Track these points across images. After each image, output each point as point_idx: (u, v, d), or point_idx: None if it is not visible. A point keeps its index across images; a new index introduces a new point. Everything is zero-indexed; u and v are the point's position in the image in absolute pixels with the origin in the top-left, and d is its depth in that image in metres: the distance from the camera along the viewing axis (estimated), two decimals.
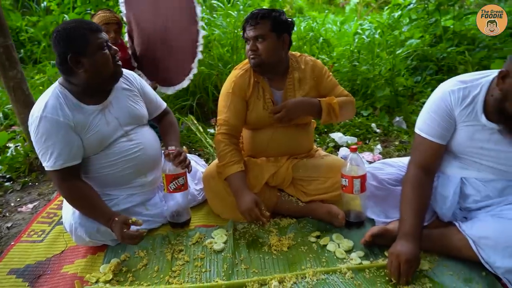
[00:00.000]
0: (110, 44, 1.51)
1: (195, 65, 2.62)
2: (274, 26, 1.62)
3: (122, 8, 2.67)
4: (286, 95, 1.73)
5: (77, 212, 1.51)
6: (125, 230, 1.44)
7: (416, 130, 1.48)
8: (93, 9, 4.87)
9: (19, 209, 2.02)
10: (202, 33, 2.57)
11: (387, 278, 1.35)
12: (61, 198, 2.03)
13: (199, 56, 2.60)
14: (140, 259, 1.50)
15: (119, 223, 1.45)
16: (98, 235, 1.52)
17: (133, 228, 1.50)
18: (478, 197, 1.42)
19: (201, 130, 2.75)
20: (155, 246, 1.58)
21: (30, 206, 2.04)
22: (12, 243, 1.66)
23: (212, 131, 2.89)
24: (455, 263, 1.39)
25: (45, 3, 5.17)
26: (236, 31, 3.55)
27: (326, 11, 7.26)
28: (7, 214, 1.99)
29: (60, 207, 1.94)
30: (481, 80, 1.35)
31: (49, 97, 1.46)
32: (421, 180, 1.44)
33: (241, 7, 3.88)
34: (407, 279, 1.29)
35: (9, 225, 1.87)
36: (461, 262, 1.39)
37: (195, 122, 2.81)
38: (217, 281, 1.35)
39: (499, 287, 1.28)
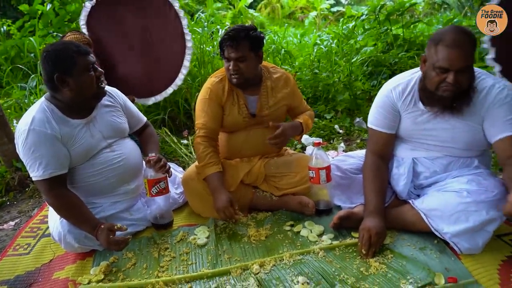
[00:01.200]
0: (96, 66, 1.61)
1: (180, 77, 2.88)
2: (253, 45, 1.78)
3: (84, 30, 2.80)
4: (261, 100, 1.91)
5: (64, 220, 1.59)
6: (111, 236, 1.54)
7: (369, 124, 1.73)
8: (55, 31, 4.89)
9: (0, 227, 2.04)
10: (190, 44, 2.86)
11: (354, 254, 1.53)
12: (43, 213, 2.08)
13: (186, 68, 2.88)
14: (129, 259, 1.59)
15: (105, 229, 1.53)
16: (86, 240, 1.60)
17: (119, 234, 1.60)
18: (427, 173, 1.65)
19: (175, 141, 2.86)
20: (142, 247, 1.68)
21: (12, 223, 2.07)
22: None
23: (185, 142, 3.01)
24: (411, 235, 1.59)
25: (4, 27, 5.13)
26: (202, 46, 3.72)
27: (286, 24, 7.61)
28: None
29: (42, 222, 1.99)
30: (415, 74, 1.62)
31: (36, 112, 1.54)
32: (378, 165, 1.67)
33: (205, 23, 4.05)
34: (375, 249, 1.49)
35: None
36: (416, 234, 1.59)
37: (169, 133, 2.92)
38: (203, 271, 1.48)
39: (447, 250, 1.49)
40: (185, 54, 2.87)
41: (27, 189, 2.42)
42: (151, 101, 2.94)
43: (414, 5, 6.82)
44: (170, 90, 2.93)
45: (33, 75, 3.49)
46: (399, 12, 5.23)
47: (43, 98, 1.61)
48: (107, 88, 1.84)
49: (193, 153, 2.72)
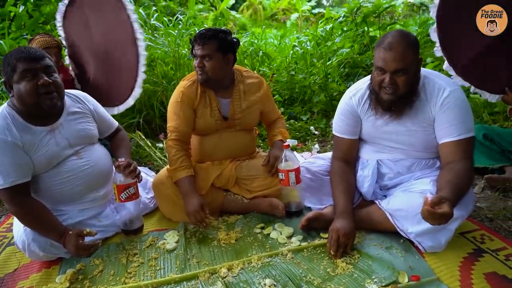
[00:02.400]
0: (43, 75, 1.50)
1: (138, 84, 2.59)
2: (220, 46, 1.79)
3: (61, 32, 2.73)
4: (234, 104, 1.92)
5: (28, 228, 1.55)
6: (80, 241, 1.51)
7: (333, 131, 1.81)
8: (29, 34, 4.78)
9: None
10: (144, 54, 2.55)
11: (322, 255, 1.54)
12: (9, 221, 2.03)
13: (142, 75, 2.58)
14: (96, 266, 1.57)
15: (73, 235, 1.51)
16: (52, 248, 1.57)
17: (88, 239, 1.57)
18: (391, 174, 1.70)
19: (150, 145, 2.84)
20: (110, 253, 1.66)
21: None
22: None
23: (161, 145, 2.99)
24: (378, 235, 1.62)
25: None
26: (177, 49, 3.70)
27: (264, 26, 7.64)
28: None
29: (9, 230, 1.94)
30: None
31: None
32: (344, 169, 1.72)
33: (180, 26, 4.03)
34: (344, 250, 1.50)
35: None
36: (383, 234, 1.62)
37: (143, 137, 2.89)
38: (171, 276, 1.47)
39: (412, 249, 1.52)
40: (138, 62, 2.56)
41: None
42: (115, 111, 2.67)
43: (390, 7, 6.94)
44: (130, 101, 2.65)
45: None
46: (376, 14, 5.32)
47: (5, 104, 1.57)
48: (76, 93, 1.80)
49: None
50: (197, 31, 1.87)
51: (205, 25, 5.11)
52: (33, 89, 1.49)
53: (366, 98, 1.66)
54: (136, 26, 2.52)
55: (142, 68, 2.57)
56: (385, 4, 5.45)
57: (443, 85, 1.54)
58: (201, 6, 12.56)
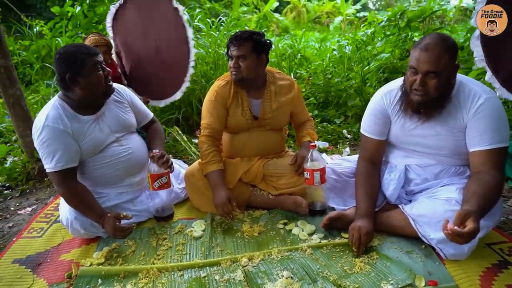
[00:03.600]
0: (104, 66, 1.72)
1: (187, 79, 2.97)
2: (255, 47, 1.88)
3: (110, 32, 2.97)
4: (264, 104, 2.00)
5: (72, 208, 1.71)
6: (117, 223, 1.66)
7: (361, 131, 1.80)
8: (83, 32, 5.16)
9: (18, 212, 2.22)
10: (194, 51, 2.92)
11: (341, 253, 1.58)
12: (57, 201, 2.24)
13: (191, 71, 2.94)
14: (129, 247, 1.71)
15: (111, 218, 1.66)
16: (91, 227, 1.73)
17: (124, 222, 1.72)
18: (418, 180, 1.69)
19: (186, 140, 2.98)
20: (142, 236, 1.79)
21: (29, 209, 2.24)
22: (14, 239, 1.86)
23: (196, 141, 3.13)
24: (400, 239, 1.63)
25: (37, 28, 5.45)
26: (217, 49, 3.84)
27: (303, 29, 7.64)
28: (8, 216, 2.19)
29: (56, 209, 2.14)
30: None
31: (50, 109, 1.68)
32: (369, 170, 1.73)
33: (222, 27, 4.17)
34: (365, 247, 1.56)
35: (10, 225, 2.07)
36: (405, 239, 1.62)
37: (180, 132, 3.05)
38: (195, 261, 1.57)
39: (433, 255, 1.52)
40: (189, 59, 2.92)
41: (45, 179, 2.59)
42: (162, 103, 3.07)
43: (438, 11, 6.71)
44: (178, 95, 3.02)
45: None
46: (420, 19, 5.18)
47: (56, 97, 1.75)
48: (115, 85, 1.97)
49: None
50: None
51: (246, 27, 5.23)
52: (103, 79, 1.70)
53: (398, 99, 1.65)
54: (187, 25, 2.89)
55: (191, 64, 2.91)
56: (433, 8, 5.29)
57: (479, 92, 1.50)
58: (245, 8, 12.78)
